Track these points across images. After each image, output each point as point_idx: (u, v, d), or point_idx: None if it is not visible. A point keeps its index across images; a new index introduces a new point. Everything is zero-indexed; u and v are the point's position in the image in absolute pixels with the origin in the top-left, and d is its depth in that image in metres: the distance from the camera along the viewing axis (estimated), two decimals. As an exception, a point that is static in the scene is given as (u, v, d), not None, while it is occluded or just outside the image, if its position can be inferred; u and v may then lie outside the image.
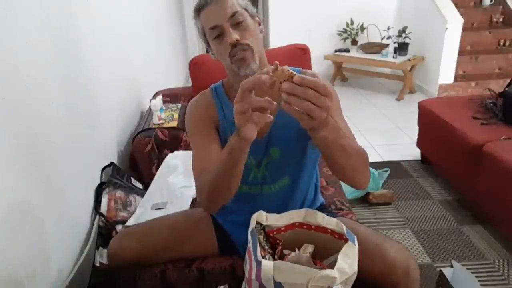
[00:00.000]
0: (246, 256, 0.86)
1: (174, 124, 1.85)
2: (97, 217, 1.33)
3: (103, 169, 1.49)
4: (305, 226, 0.88)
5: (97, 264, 1.15)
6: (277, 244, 0.88)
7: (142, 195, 1.58)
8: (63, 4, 1.29)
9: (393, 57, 4.14)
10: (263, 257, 0.77)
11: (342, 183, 1.46)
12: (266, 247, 0.85)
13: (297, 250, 0.82)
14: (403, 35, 4.16)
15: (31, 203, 0.98)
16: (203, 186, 0.93)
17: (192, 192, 1.48)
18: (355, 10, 4.64)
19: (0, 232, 0.85)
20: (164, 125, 1.83)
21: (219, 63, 0.99)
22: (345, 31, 4.74)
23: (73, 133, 1.27)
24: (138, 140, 1.75)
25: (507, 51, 4.12)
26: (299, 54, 2.03)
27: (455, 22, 3.78)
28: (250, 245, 0.83)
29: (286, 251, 0.85)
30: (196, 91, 1.22)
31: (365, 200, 2.19)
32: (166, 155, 1.73)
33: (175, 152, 1.75)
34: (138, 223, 1.29)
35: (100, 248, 1.20)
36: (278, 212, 0.90)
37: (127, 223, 1.38)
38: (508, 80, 2.25)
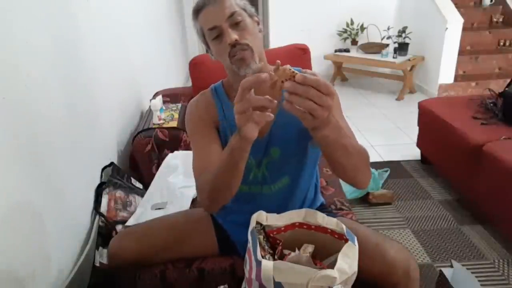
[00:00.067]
0: (246, 256, 0.86)
1: (174, 124, 1.85)
2: (97, 217, 1.33)
3: (103, 169, 1.49)
4: (305, 226, 0.88)
5: (97, 264, 1.15)
6: (277, 244, 0.88)
7: (142, 195, 1.58)
8: (63, 4, 1.29)
9: (393, 57, 4.14)
10: (263, 257, 0.77)
11: (342, 183, 1.46)
12: (266, 247, 0.85)
13: (297, 250, 0.82)
14: (403, 35, 4.16)
15: (31, 203, 0.98)
16: (203, 186, 0.93)
17: (192, 192, 1.48)
18: (355, 10, 4.64)
19: (0, 232, 0.85)
20: (164, 125, 1.83)
21: (219, 63, 0.99)
22: (345, 31, 4.74)
23: (73, 133, 1.27)
24: (138, 140, 1.75)
25: (507, 51, 4.12)
26: (299, 54, 2.03)
27: (455, 22, 3.78)
28: (250, 245, 0.83)
29: (286, 251, 0.85)
30: (196, 91, 1.22)
31: (365, 200, 2.19)
32: (166, 155, 1.73)
33: (175, 152, 1.75)
34: (138, 223, 1.29)
35: (100, 248, 1.20)
36: (278, 212, 0.90)
37: (127, 223, 1.38)
38: (508, 80, 2.25)
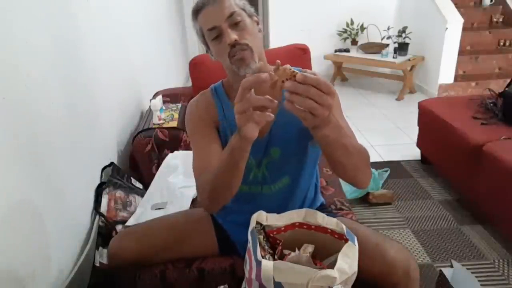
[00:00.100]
0: (246, 256, 0.86)
1: (174, 124, 1.85)
2: (97, 217, 1.33)
3: (103, 169, 1.49)
4: (305, 226, 0.88)
5: (97, 264, 1.15)
6: (277, 244, 0.88)
7: (142, 195, 1.58)
8: (63, 4, 1.29)
9: (393, 57, 4.14)
10: (263, 257, 0.77)
11: (342, 183, 1.46)
12: (266, 247, 0.85)
13: (297, 250, 0.82)
14: (403, 35, 4.16)
15: (31, 203, 0.98)
16: (204, 186, 0.93)
17: (192, 192, 1.48)
18: (355, 10, 4.64)
19: (0, 232, 0.85)
20: (164, 125, 1.83)
21: (219, 63, 0.99)
22: (345, 31, 4.74)
23: (73, 133, 1.27)
24: (138, 140, 1.75)
25: (507, 51, 4.12)
26: (299, 54, 2.03)
27: (455, 22, 3.78)
28: (250, 245, 0.83)
29: (286, 251, 0.85)
30: (196, 91, 1.22)
31: (365, 200, 2.19)
32: (166, 155, 1.73)
33: (175, 152, 1.75)
34: (138, 223, 1.29)
35: (100, 248, 1.20)
36: (278, 212, 0.90)
37: (127, 223, 1.38)
38: (508, 80, 2.25)
